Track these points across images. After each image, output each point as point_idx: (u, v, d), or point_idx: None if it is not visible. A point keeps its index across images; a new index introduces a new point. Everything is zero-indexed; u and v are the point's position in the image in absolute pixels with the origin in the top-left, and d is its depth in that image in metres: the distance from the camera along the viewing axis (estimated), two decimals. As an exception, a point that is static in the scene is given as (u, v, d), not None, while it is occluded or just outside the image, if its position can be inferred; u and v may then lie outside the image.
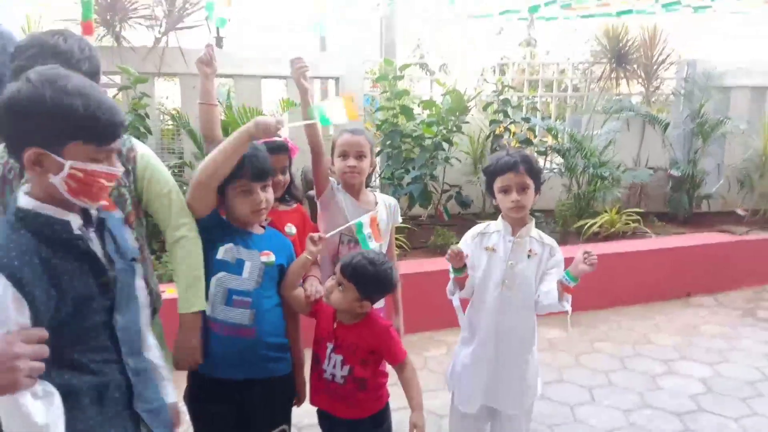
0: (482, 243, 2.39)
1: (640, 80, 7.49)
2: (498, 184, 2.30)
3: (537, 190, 2.33)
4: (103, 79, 5.54)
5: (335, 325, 2.14)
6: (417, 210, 6.00)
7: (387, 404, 2.24)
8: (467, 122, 5.91)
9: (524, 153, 2.36)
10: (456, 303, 2.40)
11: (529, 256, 2.31)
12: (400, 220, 2.75)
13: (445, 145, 5.55)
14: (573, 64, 7.98)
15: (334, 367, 2.12)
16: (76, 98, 1.25)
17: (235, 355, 2.00)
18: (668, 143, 6.87)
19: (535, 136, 6.70)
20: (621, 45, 7.29)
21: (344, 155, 2.48)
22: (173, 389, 1.73)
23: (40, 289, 1.24)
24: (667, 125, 6.75)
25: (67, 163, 1.27)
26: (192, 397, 2.11)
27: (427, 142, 5.44)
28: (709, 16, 7.25)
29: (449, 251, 2.21)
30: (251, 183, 2.02)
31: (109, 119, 1.29)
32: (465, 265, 2.27)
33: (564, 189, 6.44)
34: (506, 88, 6.32)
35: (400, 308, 2.72)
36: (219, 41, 6.34)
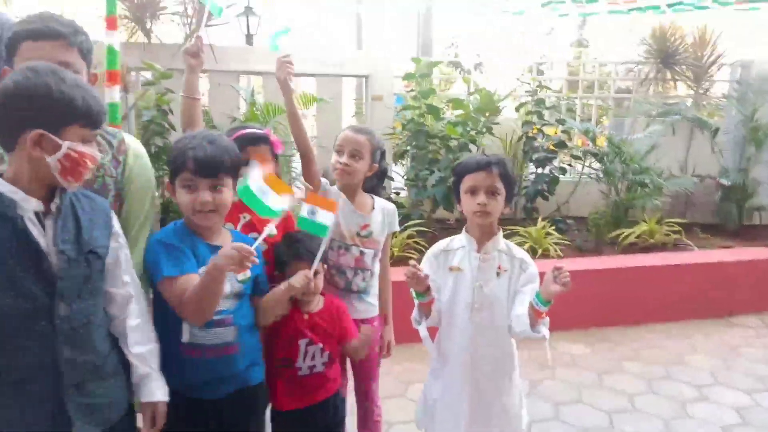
0: (446, 262, 2.15)
1: (689, 83, 7.07)
2: (466, 184, 2.08)
3: (509, 199, 2.10)
4: (132, 75, 5.65)
5: (306, 317, 2.14)
6: (443, 213, 5.79)
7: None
8: (497, 123, 5.67)
9: (500, 157, 2.14)
10: (423, 333, 2.17)
11: (498, 273, 2.08)
12: (397, 227, 2.61)
13: (473, 147, 5.33)
14: (616, 65, 7.60)
15: (313, 358, 2.13)
16: (75, 89, 1.41)
17: (219, 374, 1.90)
18: (718, 150, 6.45)
19: (571, 139, 6.38)
20: (669, 45, 6.89)
21: (339, 151, 2.38)
22: (159, 387, 1.73)
23: None
24: (716, 130, 6.35)
25: (65, 144, 1.40)
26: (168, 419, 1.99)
27: (454, 143, 5.23)
28: (764, 15, 6.76)
29: (406, 271, 1.94)
30: (194, 177, 1.83)
31: (99, 108, 1.46)
32: (429, 288, 2.02)
33: (601, 196, 6.13)
34: (542, 88, 6.03)
35: (389, 318, 2.62)
36: (249, 39, 6.30)
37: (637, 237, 5.58)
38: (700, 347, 4.38)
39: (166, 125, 4.85)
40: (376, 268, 2.51)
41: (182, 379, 1.84)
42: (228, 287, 1.87)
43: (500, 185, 2.05)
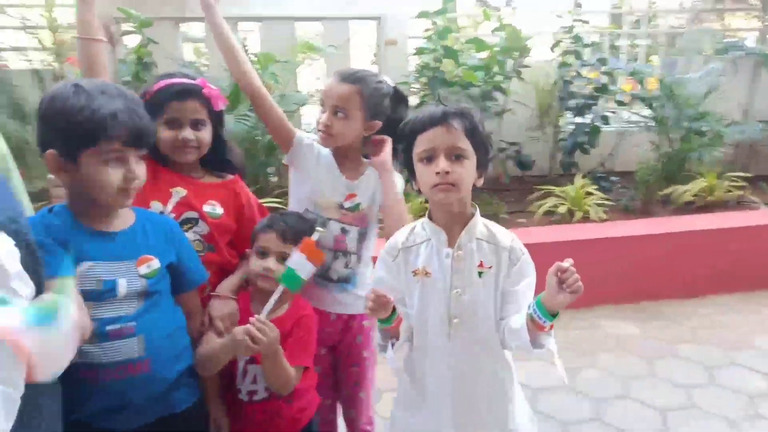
0: (407, 264, 1.59)
1: (755, 13, 6.15)
2: (418, 147, 1.50)
3: (482, 164, 1.52)
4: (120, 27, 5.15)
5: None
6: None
7: (316, 412, 1.83)
8: (527, 66, 4.94)
9: (463, 105, 1.52)
10: (393, 363, 1.57)
11: (480, 273, 1.53)
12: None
13: (498, 95, 4.64)
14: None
15: (254, 381, 1.68)
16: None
17: (124, 400, 1.44)
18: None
19: (615, 83, 5.61)
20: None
21: (322, 104, 1.86)
22: None
23: None
24: (787, 68, 5.49)
25: None
26: None
27: (475, 91, 4.53)
28: None
29: (367, 298, 1.43)
30: (124, 149, 1.39)
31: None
32: (394, 310, 1.47)
33: (651, 147, 5.40)
34: (580, 23, 5.23)
35: None
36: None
37: (694, 195, 4.98)
38: (772, 325, 3.69)
39: (149, 80, 4.34)
40: (366, 251, 1.97)
41: (81, 407, 1.40)
42: (124, 285, 1.42)
43: (466, 144, 1.47)
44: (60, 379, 1.40)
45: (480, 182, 1.54)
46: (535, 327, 1.39)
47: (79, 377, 1.39)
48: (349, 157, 1.92)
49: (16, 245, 1.01)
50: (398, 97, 1.90)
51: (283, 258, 1.65)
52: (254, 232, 1.74)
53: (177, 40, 5.57)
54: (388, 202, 1.86)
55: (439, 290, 1.54)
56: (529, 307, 1.39)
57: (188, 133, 1.68)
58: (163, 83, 1.68)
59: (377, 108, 1.84)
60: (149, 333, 1.45)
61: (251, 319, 1.50)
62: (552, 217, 4.53)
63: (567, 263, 1.29)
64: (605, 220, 4.47)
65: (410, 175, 1.59)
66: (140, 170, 1.44)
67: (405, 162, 1.58)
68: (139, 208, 1.57)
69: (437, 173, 1.44)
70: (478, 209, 1.58)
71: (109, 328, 1.39)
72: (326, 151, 1.91)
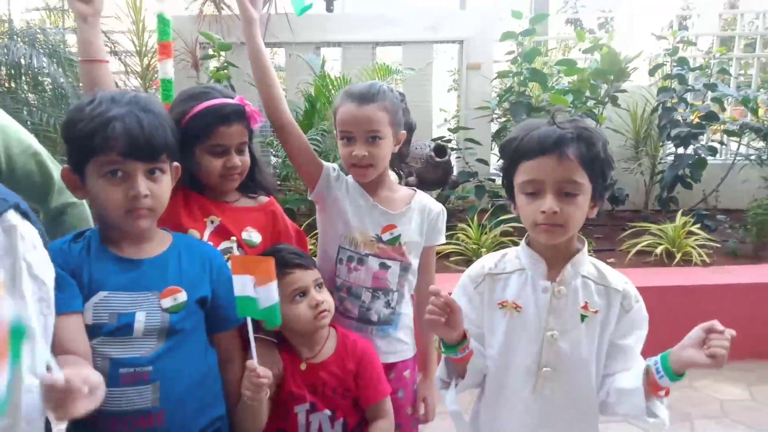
0: (493, 293, 1.36)
1: None
2: (521, 176, 1.27)
3: (598, 196, 1.28)
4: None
5: (305, 368, 1.50)
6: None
7: None
8: (624, 91, 4.54)
9: (581, 124, 1.25)
10: (452, 405, 1.36)
11: (583, 317, 1.30)
12: (442, 239, 1.80)
13: (590, 122, 4.27)
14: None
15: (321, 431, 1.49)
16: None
17: None
18: None
19: (724, 110, 5.07)
20: None
21: (347, 137, 1.64)
22: None
23: None
24: None
25: None
26: None
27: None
28: None
29: (431, 303, 1.24)
30: (123, 161, 1.21)
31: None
32: (465, 336, 1.29)
33: (764, 184, 4.86)
34: (686, 44, 4.78)
35: (430, 364, 1.81)
36: (329, 3, 5.65)
37: (816, 238, 4.31)
38: None
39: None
40: (408, 289, 1.74)
41: None
42: (142, 320, 1.25)
43: (582, 177, 1.22)
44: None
45: (594, 213, 1.31)
46: (650, 387, 1.21)
47: (85, 426, 1.22)
48: (380, 184, 1.72)
49: None
50: (404, 100, 1.72)
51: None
52: None
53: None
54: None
55: (530, 331, 1.32)
56: (652, 361, 1.22)
57: (236, 159, 1.52)
58: (204, 105, 1.52)
59: (400, 118, 1.67)
60: (167, 380, 1.27)
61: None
62: (646, 258, 4.09)
63: (722, 327, 1.12)
64: (709, 264, 3.99)
65: (509, 197, 1.35)
66: (154, 188, 1.26)
67: (506, 185, 1.34)
68: (178, 234, 1.42)
69: (543, 212, 1.22)
70: (586, 244, 1.35)
71: (122, 371, 1.23)
72: (353, 181, 1.71)
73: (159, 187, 1.27)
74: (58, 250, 1.25)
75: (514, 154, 1.27)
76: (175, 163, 1.35)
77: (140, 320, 1.24)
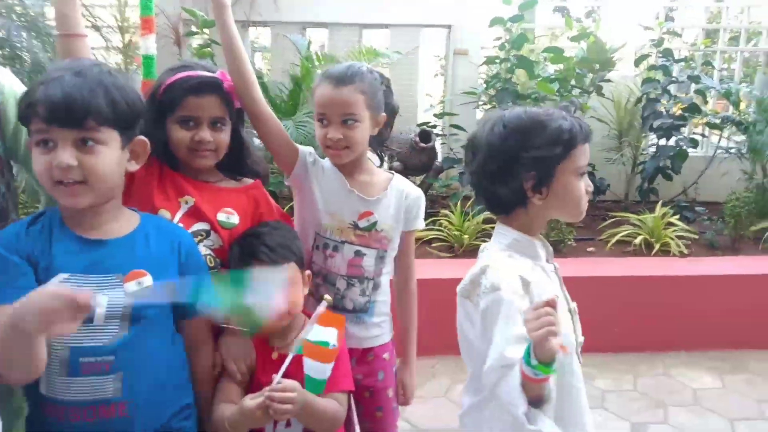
0: (532, 297, 1.26)
1: None
2: (580, 160, 1.34)
3: None
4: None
5: (276, 357, 1.44)
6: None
7: None
8: (609, 80, 4.55)
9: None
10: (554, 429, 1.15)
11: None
12: (421, 224, 1.79)
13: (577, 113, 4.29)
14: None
15: (287, 425, 1.44)
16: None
17: None
18: None
19: (707, 103, 5.11)
20: None
21: (323, 119, 1.61)
22: None
23: None
24: None
25: None
26: None
27: (549, 105, 4.21)
28: None
29: (540, 308, 1.07)
30: (47, 128, 1.13)
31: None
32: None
33: (743, 176, 4.90)
34: (671, 36, 4.79)
35: (410, 352, 1.83)
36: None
37: (792, 231, 4.39)
38: None
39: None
40: (384, 277, 1.74)
41: None
42: (103, 303, 1.18)
43: None
44: (31, 412, 1.25)
45: None
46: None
47: (44, 413, 1.21)
48: (357, 167, 1.70)
49: None
50: (385, 82, 1.69)
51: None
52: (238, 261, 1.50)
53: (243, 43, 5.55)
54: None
55: (564, 311, 1.33)
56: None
57: (206, 133, 1.47)
58: (178, 76, 1.47)
59: (380, 101, 1.64)
60: (131, 370, 1.22)
61: (266, 391, 1.27)
62: (626, 248, 4.12)
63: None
64: (687, 255, 4.04)
65: (540, 182, 1.32)
66: (86, 159, 1.14)
67: (541, 170, 1.31)
68: (147, 214, 1.37)
69: (590, 188, 1.39)
70: None
71: (82, 360, 1.18)
72: (330, 165, 1.69)
73: (94, 158, 1.15)
74: (13, 234, 1.20)
75: (569, 140, 1.30)
76: (140, 137, 1.27)
77: (101, 305, 1.18)
